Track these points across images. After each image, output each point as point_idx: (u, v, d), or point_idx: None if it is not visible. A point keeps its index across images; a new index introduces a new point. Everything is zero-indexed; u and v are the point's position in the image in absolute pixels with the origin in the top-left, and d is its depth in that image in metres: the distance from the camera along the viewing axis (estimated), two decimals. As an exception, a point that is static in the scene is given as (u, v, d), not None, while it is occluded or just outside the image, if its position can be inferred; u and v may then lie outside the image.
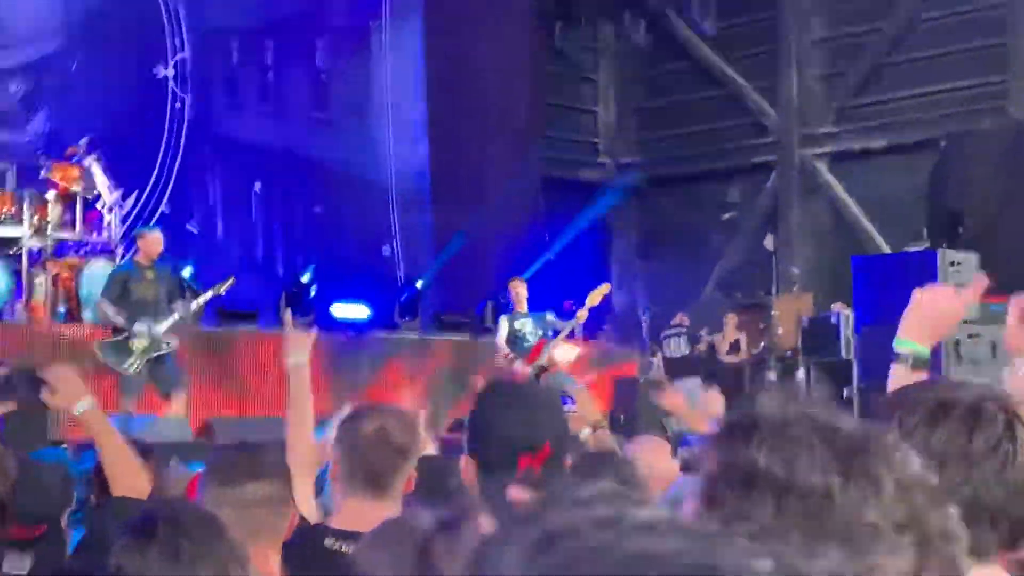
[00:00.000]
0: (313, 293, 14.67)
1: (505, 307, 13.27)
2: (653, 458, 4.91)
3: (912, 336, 2.76)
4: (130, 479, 3.86)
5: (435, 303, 16.82)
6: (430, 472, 3.68)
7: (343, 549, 3.36)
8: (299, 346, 4.43)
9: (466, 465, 2.91)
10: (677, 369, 15.83)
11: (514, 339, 13.03)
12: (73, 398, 3.88)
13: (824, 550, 1.19)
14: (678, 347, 16.91)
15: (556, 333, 13.08)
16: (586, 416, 6.13)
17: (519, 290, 13.30)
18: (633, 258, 22.25)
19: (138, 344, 11.38)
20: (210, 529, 2.50)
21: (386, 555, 1.81)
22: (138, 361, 11.36)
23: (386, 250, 18.46)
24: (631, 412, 12.01)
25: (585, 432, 5.98)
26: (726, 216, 21.08)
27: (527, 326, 13.13)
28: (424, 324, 15.53)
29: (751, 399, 1.31)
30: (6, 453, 2.77)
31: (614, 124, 22.49)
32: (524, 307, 13.29)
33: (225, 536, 2.52)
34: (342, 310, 14.84)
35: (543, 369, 12.81)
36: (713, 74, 21.13)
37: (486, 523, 2.83)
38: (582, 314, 13.35)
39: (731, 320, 17.73)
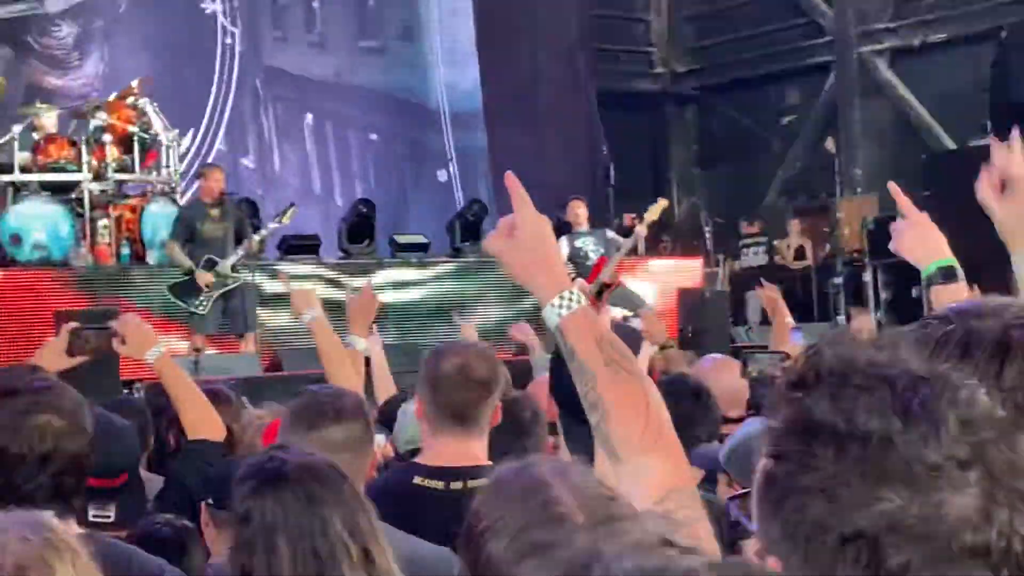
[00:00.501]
0: (374, 221, 14.64)
1: (565, 228, 13.17)
2: (722, 377, 4.87)
3: (922, 255, 2.70)
4: (205, 423, 3.90)
5: (493, 225, 16.77)
6: (503, 406, 3.68)
7: (433, 485, 3.37)
8: (306, 301, 4.47)
9: (550, 406, 2.91)
10: (743, 279, 15.73)
11: (576, 258, 12.96)
12: (144, 346, 3.92)
13: (886, 493, 1.20)
14: (756, 256, 16.71)
15: (618, 250, 12.98)
16: (654, 337, 6.10)
17: (578, 209, 13.20)
18: (692, 168, 22.10)
19: (206, 281, 11.48)
20: (337, 475, 2.50)
21: (509, 502, 1.79)
22: (207, 299, 11.47)
23: (442, 175, 18.42)
24: (698, 325, 11.95)
25: (653, 351, 5.97)
26: (785, 120, 20.86)
27: (588, 244, 13.05)
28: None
29: (817, 349, 1.32)
30: (84, 406, 2.77)
31: (667, 32, 22.22)
32: (584, 225, 13.20)
33: (349, 482, 2.52)
34: (402, 237, 14.83)
35: (605, 286, 12.71)
36: (765, -25, 20.80)
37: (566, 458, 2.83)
38: (641, 230, 13.25)
39: (795, 225, 17.58)
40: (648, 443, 2.05)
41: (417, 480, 3.43)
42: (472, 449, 3.47)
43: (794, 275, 16.57)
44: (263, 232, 12.22)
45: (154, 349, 3.93)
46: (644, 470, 2.03)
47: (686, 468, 2.20)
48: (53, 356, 3.82)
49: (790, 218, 17.99)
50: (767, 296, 6.80)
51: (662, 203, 13.28)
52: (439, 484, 3.40)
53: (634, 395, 2.08)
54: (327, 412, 3.27)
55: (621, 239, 13.12)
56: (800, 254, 17.28)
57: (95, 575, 2.32)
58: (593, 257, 12.87)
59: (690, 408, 3.98)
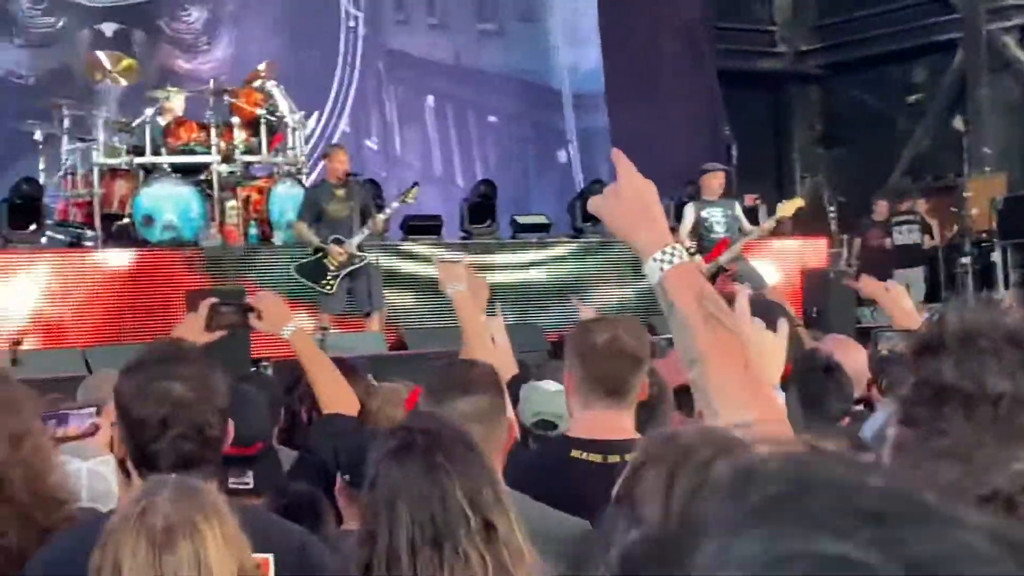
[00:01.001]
0: (495, 202, 14.70)
1: (695, 197, 12.99)
2: (843, 357, 4.79)
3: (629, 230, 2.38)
4: (340, 397, 3.97)
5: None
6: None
7: (590, 458, 3.38)
8: (453, 275, 4.49)
9: (676, 379, 2.91)
10: (872, 259, 15.52)
11: (700, 227, 12.75)
12: (280, 322, 4.00)
13: (1020, 453, 1.21)
14: (910, 235, 16.44)
15: (742, 233, 12.81)
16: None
17: (712, 180, 12.93)
18: (815, 147, 21.85)
19: (333, 261, 11.62)
20: (464, 445, 2.52)
21: (661, 471, 1.81)
22: (334, 279, 11.60)
23: (562, 156, 18.43)
24: (823, 305, 11.83)
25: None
26: (912, 98, 20.52)
27: (715, 215, 12.81)
28: (604, 227, 15.47)
29: (941, 315, 1.33)
30: (213, 378, 2.87)
31: (790, 10, 21.98)
32: (716, 196, 12.88)
33: (478, 452, 2.54)
34: (523, 218, 14.87)
35: (722, 270, 12.60)
36: (891, -48, 20.48)
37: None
38: (768, 225, 13.14)
39: (921, 205, 17.28)
40: (745, 397, 2.06)
41: (574, 453, 3.42)
42: (623, 422, 3.47)
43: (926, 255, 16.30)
44: (387, 211, 12.34)
45: (289, 325, 4.02)
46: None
47: (785, 426, 2.19)
48: (192, 331, 3.92)
49: (916, 198, 17.70)
50: (868, 292, 6.65)
51: (796, 202, 13.11)
52: (597, 457, 3.39)
53: (732, 350, 2.09)
54: (456, 385, 3.31)
55: (746, 222, 12.99)
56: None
57: (240, 538, 2.40)
58: (718, 230, 12.70)
59: (822, 383, 3.96)
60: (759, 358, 2.36)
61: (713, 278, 12.58)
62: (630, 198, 2.21)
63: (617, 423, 3.45)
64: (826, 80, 21.61)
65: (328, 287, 11.62)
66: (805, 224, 17.49)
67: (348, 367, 4.65)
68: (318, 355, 4.05)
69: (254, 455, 3.79)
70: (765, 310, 2.86)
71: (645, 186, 2.22)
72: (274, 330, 4.02)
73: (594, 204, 2.27)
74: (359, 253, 11.74)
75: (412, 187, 12.32)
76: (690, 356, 2.10)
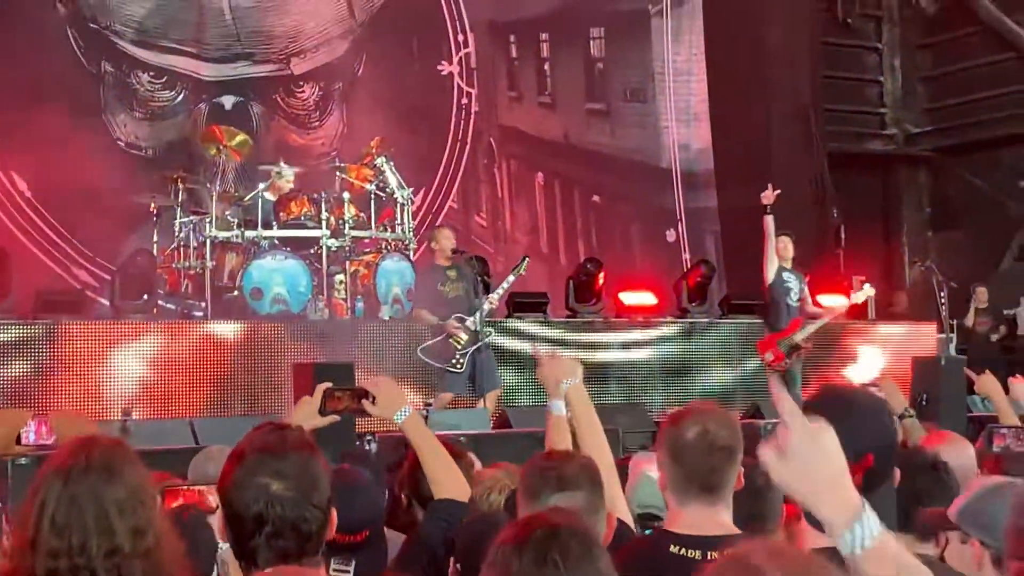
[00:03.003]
0: (601, 281, 14.69)
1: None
2: (951, 454, 4.66)
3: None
4: (452, 483, 3.95)
5: (722, 285, 16.66)
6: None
7: (691, 555, 3.34)
8: (568, 369, 4.45)
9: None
10: (980, 348, 15.27)
11: (780, 290, 12.72)
12: (394, 407, 4.01)
13: None
14: None
15: (803, 307, 12.84)
16: (893, 406, 5.97)
17: (787, 245, 12.92)
18: (925, 230, 21.59)
19: (459, 340, 11.63)
20: (583, 543, 2.50)
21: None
22: (463, 357, 11.61)
23: (670, 235, 18.39)
24: (934, 393, 11.62)
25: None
26: (1023, 183, 20.21)
27: (792, 281, 12.81)
28: (713, 308, 15.39)
29: None
30: (312, 472, 2.85)
31: (901, 93, 21.84)
32: (788, 261, 12.86)
33: (597, 551, 2.52)
34: (629, 297, 14.84)
35: (797, 348, 12.55)
36: (1003, 36, 20.26)
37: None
38: (840, 310, 13.12)
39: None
40: None
41: (674, 549, 3.38)
42: (720, 516, 3.43)
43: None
44: (503, 287, 12.27)
45: (403, 410, 4.02)
46: None
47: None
48: (306, 416, 3.93)
49: (1024, 286, 17.42)
50: (982, 390, 6.54)
51: (868, 292, 13.11)
52: (697, 553, 3.35)
53: None
54: (550, 481, 3.30)
55: (814, 307, 12.98)
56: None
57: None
58: (794, 297, 12.67)
59: (927, 482, 3.88)
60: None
61: (789, 354, 12.52)
62: (806, 458, 1.96)
63: (714, 518, 3.42)
64: (936, 163, 21.38)
65: (459, 366, 11.62)
66: (915, 309, 17.28)
67: (450, 448, 4.65)
68: (431, 439, 4.04)
69: (360, 542, 3.79)
70: (839, 399, 2.82)
71: (819, 437, 1.98)
72: (388, 415, 4.03)
73: (765, 458, 2.04)
74: (484, 330, 11.76)
75: (523, 260, 12.32)
76: None
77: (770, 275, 12.69)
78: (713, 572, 1.83)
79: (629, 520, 3.96)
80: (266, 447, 2.85)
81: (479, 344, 11.65)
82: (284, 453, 2.83)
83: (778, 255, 12.81)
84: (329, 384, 3.97)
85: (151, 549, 2.71)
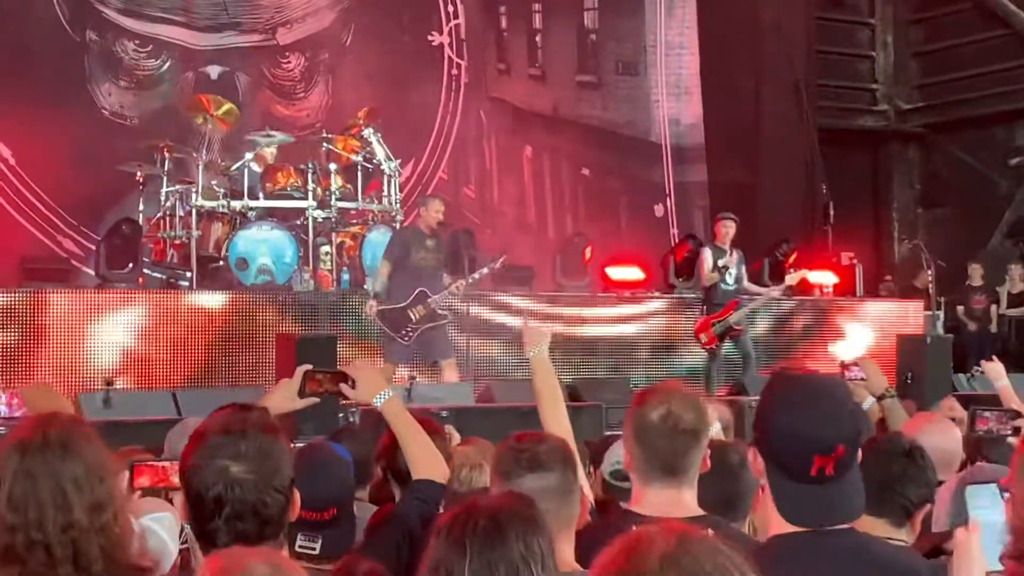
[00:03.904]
0: (588, 255, 14.67)
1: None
2: (934, 438, 4.58)
3: None
4: (431, 465, 3.95)
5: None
6: (712, 450, 3.62)
7: None
8: (537, 337, 4.46)
9: (754, 459, 2.85)
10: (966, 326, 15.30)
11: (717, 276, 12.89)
12: (373, 392, 4.00)
13: None
14: None
15: (749, 296, 13.00)
16: (873, 386, 5.94)
17: (727, 228, 12.97)
18: (915, 207, 21.57)
19: (416, 314, 11.62)
20: (518, 527, 2.56)
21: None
22: (414, 331, 11.60)
23: (658, 209, 18.35)
24: (919, 371, 11.63)
25: (870, 402, 5.80)
26: (1014, 161, 20.18)
27: (730, 264, 12.91)
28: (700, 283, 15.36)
29: None
30: (275, 455, 2.83)
31: (893, 69, 21.77)
32: (726, 245, 12.96)
33: (536, 534, 2.58)
34: (616, 271, 14.81)
35: (730, 329, 12.69)
36: (995, 13, 20.19)
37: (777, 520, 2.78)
38: (774, 292, 13.25)
39: (1016, 271, 16.99)
40: None
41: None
42: (684, 497, 3.42)
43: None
44: (473, 278, 12.24)
45: (382, 394, 4.01)
46: None
47: None
48: (284, 397, 3.92)
49: (1013, 263, 17.39)
50: (988, 372, 6.52)
51: (800, 274, 13.26)
52: None
53: None
54: (522, 462, 3.29)
55: (753, 287, 13.08)
56: (1020, 300, 16.72)
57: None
58: (729, 281, 12.80)
59: (901, 468, 3.85)
60: None
61: (722, 338, 12.63)
62: None
63: (678, 500, 3.41)
64: (927, 140, 21.35)
65: (406, 339, 11.60)
66: (903, 286, 17.28)
67: (429, 424, 4.63)
68: (410, 422, 4.04)
69: (327, 520, 3.78)
70: (804, 387, 2.82)
71: None
72: (367, 399, 4.02)
73: None
74: (442, 312, 11.75)
75: (500, 257, 12.33)
76: None
77: (708, 269, 12.86)
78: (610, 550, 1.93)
79: (589, 496, 3.95)
80: (227, 428, 2.83)
81: (436, 324, 11.64)
82: (244, 434, 2.81)
83: (718, 239, 12.91)
84: (309, 366, 3.95)
85: (108, 524, 2.70)
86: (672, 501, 3.39)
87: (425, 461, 3.98)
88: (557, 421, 4.22)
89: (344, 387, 3.98)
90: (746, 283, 13.11)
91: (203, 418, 3.17)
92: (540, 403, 4.34)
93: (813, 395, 2.81)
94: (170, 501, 3.44)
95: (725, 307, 12.75)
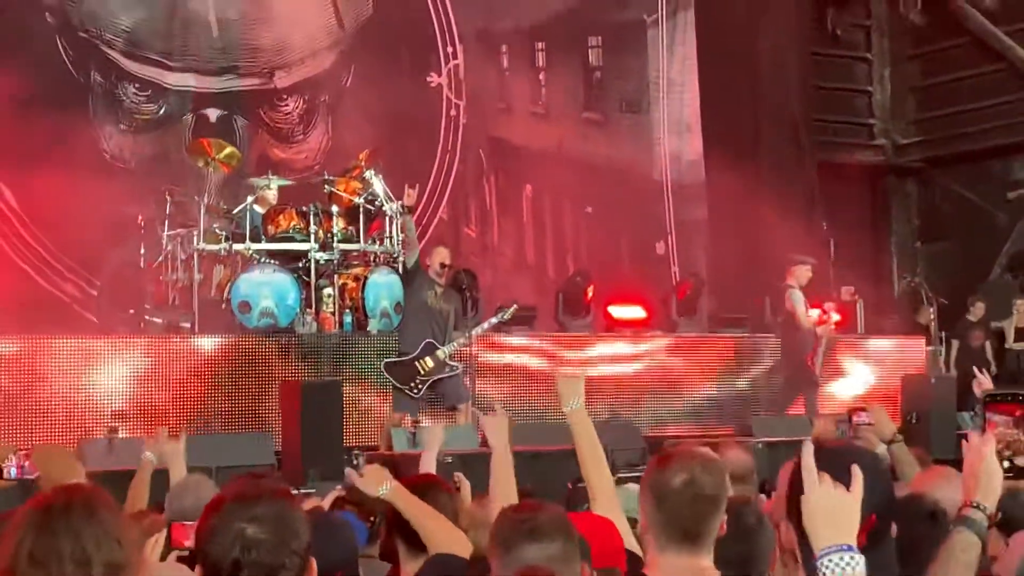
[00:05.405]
0: (590, 294, 14.66)
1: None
2: (948, 492, 4.55)
3: None
4: (447, 540, 3.97)
5: (711, 299, 16.62)
6: (729, 508, 3.60)
7: None
8: (572, 389, 4.43)
9: (787, 531, 2.82)
10: (970, 361, 15.21)
11: None
12: (378, 484, 4.23)
13: None
14: None
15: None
16: (882, 432, 5.94)
17: (806, 272, 13.08)
18: (914, 241, 21.60)
19: (423, 367, 11.61)
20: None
21: None
22: (423, 384, 11.60)
23: (660, 247, 18.35)
24: (923, 411, 11.61)
25: (881, 449, 5.78)
26: (1012, 195, 20.23)
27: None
28: (702, 322, 15.37)
29: None
30: (291, 519, 2.84)
31: (890, 104, 21.84)
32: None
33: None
34: (618, 310, 14.79)
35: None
36: (992, 47, 20.28)
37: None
38: (823, 330, 13.29)
39: (1020, 306, 17.00)
40: None
41: None
42: (701, 562, 3.36)
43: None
44: (484, 326, 12.28)
45: (386, 484, 4.11)
46: None
47: None
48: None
49: (1015, 297, 17.41)
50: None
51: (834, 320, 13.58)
52: None
53: None
54: (521, 531, 3.26)
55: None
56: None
57: None
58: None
59: (925, 531, 3.82)
60: (827, 521, 2.51)
61: None
62: (818, 504, 2.52)
63: (696, 567, 3.35)
64: (925, 174, 21.39)
65: (415, 391, 11.61)
66: (904, 322, 17.25)
67: (439, 483, 4.64)
68: (418, 506, 4.13)
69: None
70: (839, 458, 2.78)
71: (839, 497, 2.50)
72: (372, 491, 4.15)
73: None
74: (452, 363, 11.77)
75: (512, 307, 12.37)
76: None
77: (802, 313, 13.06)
78: None
79: (635, 547, 3.91)
80: (241, 494, 2.83)
81: (445, 375, 11.67)
82: (262, 499, 2.80)
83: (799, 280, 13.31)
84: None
85: None
86: (690, 568, 3.34)
87: (439, 538, 4.00)
88: (599, 469, 4.19)
89: (350, 472, 4.09)
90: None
91: (202, 476, 3.17)
92: (584, 468, 4.29)
93: (845, 463, 2.79)
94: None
95: None
